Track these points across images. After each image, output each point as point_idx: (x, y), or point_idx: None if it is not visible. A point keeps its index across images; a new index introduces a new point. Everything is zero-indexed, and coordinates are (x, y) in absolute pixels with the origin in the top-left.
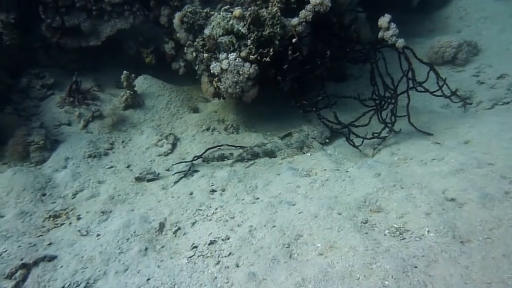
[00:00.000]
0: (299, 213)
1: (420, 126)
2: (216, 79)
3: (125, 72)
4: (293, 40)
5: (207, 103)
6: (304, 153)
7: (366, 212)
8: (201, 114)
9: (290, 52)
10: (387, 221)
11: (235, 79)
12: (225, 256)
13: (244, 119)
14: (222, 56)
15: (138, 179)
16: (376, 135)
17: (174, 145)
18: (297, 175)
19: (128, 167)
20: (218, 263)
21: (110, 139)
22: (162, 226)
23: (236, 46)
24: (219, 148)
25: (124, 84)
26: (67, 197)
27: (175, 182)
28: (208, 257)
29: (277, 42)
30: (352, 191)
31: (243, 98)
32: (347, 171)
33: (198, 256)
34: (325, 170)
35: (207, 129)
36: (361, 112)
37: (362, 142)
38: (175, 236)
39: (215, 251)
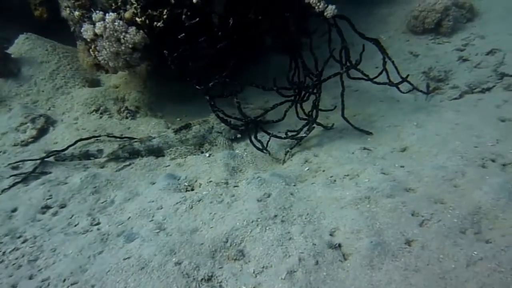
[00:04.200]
0: (125, 259)
1: (361, 121)
2: (93, 46)
3: None
4: (194, 0)
5: (112, 75)
6: (202, 152)
7: (220, 260)
8: (94, 90)
9: (184, 16)
10: (237, 280)
11: (115, 49)
12: None
13: (152, 99)
14: (97, 16)
15: None
16: (292, 134)
17: (43, 131)
18: (172, 188)
19: None
20: None
21: None
22: None
23: (119, 3)
24: (96, 140)
25: None
26: None
27: (3, 190)
28: None
29: (173, 1)
30: (218, 222)
31: (134, 75)
32: (236, 186)
33: None
34: (210, 181)
35: (96, 111)
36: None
37: (267, 143)
38: None
39: None
